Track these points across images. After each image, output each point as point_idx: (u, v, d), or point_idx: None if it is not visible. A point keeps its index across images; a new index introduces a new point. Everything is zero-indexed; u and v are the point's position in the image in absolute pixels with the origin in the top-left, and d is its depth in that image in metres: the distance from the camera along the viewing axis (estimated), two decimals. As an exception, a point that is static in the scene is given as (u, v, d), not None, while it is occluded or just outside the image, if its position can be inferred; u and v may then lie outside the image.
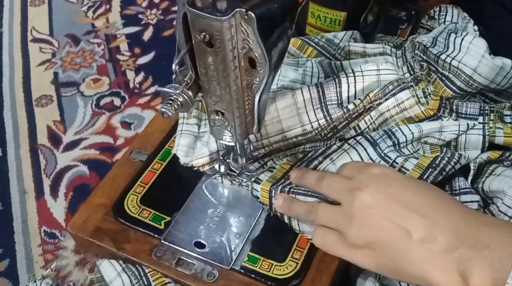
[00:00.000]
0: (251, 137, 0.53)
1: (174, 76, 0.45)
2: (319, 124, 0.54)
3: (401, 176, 0.47)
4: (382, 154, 0.53)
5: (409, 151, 0.54)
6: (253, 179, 0.55)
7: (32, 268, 0.65)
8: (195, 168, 0.56)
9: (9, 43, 0.94)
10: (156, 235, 0.52)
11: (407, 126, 0.55)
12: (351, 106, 0.54)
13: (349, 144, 0.55)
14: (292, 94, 0.54)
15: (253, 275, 0.49)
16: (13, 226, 0.69)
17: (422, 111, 0.56)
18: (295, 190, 0.52)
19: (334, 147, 0.56)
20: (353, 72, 0.55)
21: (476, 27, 0.61)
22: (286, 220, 0.53)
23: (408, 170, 0.52)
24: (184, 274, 0.50)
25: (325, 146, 0.56)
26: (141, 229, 0.53)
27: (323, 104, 0.54)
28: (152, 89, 0.84)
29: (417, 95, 0.56)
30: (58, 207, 0.70)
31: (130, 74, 0.87)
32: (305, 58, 0.63)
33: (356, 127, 0.56)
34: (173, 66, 0.43)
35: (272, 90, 0.57)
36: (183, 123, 0.58)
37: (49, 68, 0.89)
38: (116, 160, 0.74)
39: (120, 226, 0.53)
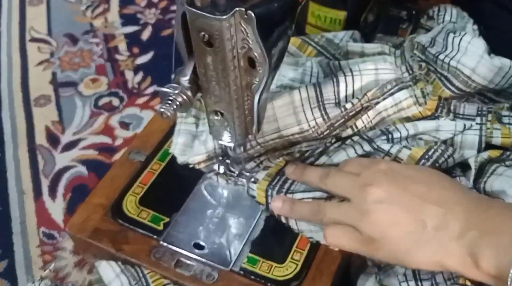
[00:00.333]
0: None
1: (173, 76, 0.45)
2: (316, 123, 0.53)
3: (409, 169, 0.48)
4: (375, 146, 0.53)
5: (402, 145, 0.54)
6: (252, 179, 0.54)
7: (31, 269, 0.65)
8: (191, 166, 0.56)
9: (7, 43, 0.93)
10: (155, 236, 0.52)
11: (403, 125, 0.55)
12: (348, 105, 0.53)
13: (346, 144, 0.55)
14: (289, 92, 0.54)
15: (252, 277, 0.49)
16: (12, 226, 0.68)
17: (419, 111, 0.56)
18: (293, 190, 0.52)
19: (331, 147, 0.56)
20: (351, 71, 0.55)
21: (475, 27, 0.61)
22: (284, 220, 0.53)
23: (402, 160, 0.52)
24: (183, 275, 0.50)
25: (322, 145, 0.56)
26: (140, 230, 0.52)
27: (320, 103, 0.54)
28: (151, 89, 0.84)
29: (415, 95, 0.56)
30: (56, 208, 0.70)
31: (129, 74, 0.87)
32: (304, 58, 0.63)
33: (353, 126, 0.55)
34: (172, 76, 0.43)
35: (270, 89, 0.57)
36: (181, 122, 0.58)
37: (47, 68, 0.88)
38: (115, 160, 0.73)
39: (119, 227, 0.53)
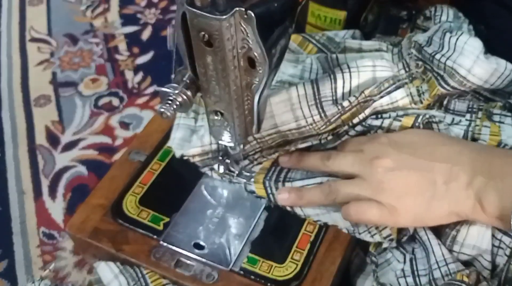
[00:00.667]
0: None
1: (173, 76, 0.45)
2: (314, 120, 0.54)
3: (408, 135, 0.51)
4: (367, 125, 0.54)
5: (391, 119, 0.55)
6: (252, 179, 0.54)
7: (31, 269, 0.65)
8: (185, 158, 0.56)
9: (7, 42, 0.93)
10: (155, 236, 0.52)
11: (395, 112, 0.55)
12: (345, 103, 0.54)
13: (339, 134, 0.55)
14: (286, 89, 0.54)
15: (252, 277, 0.49)
16: (12, 226, 0.68)
17: None
18: (290, 178, 0.52)
19: (326, 142, 0.56)
20: (349, 68, 0.55)
21: (471, 27, 0.61)
22: (289, 208, 0.53)
23: (395, 131, 0.53)
24: (183, 275, 0.50)
25: (316, 141, 0.56)
26: (140, 230, 0.52)
27: (317, 101, 0.54)
28: (151, 89, 0.84)
29: (411, 93, 0.56)
30: (56, 208, 0.70)
31: (129, 74, 0.87)
32: (305, 55, 0.63)
33: (350, 123, 0.56)
34: (172, 76, 0.43)
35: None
36: (180, 117, 0.58)
37: (47, 68, 0.88)
38: (115, 160, 0.73)
39: (118, 227, 0.53)
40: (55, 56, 0.90)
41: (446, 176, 0.46)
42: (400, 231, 0.51)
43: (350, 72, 0.55)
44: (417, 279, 0.49)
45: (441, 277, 0.47)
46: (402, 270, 0.50)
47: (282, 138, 0.55)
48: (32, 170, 0.74)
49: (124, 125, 0.79)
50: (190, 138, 0.57)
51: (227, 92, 0.43)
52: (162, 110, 0.44)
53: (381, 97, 0.55)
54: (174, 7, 0.98)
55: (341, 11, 0.65)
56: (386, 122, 0.53)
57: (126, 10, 0.99)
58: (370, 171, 0.48)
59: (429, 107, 0.57)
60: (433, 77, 0.55)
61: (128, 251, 0.51)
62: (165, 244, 0.51)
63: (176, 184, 0.56)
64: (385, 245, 0.51)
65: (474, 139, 0.55)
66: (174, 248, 0.51)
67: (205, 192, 0.56)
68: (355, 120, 0.55)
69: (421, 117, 0.53)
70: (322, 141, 0.55)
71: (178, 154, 0.56)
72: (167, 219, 0.53)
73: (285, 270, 0.50)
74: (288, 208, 0.53)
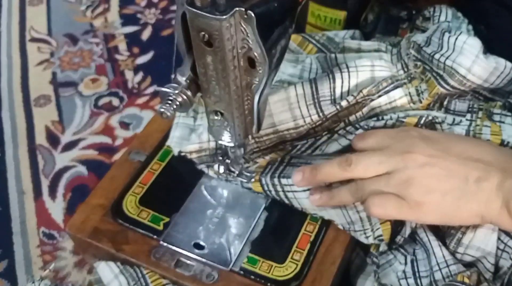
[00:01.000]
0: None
1: (173, 76, 0.45)
2: (312, 119, 0.54)
3: (438, 133, 0.51)
4: (369, 128, 0.53)
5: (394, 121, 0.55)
6: (252, 180, 0.54)
7: (31, 269, 0.65)
8: (183, 154, 0.56)
9: (7, 42, 0.93)
10: (155, 236, 0.52)
11: (396, 114, 0.55)
12: (344, 103, 0.54)
13: (338, 134, 0.55)
14: (285, 89, 0.54)
15: (252, 277, 0.49)
16: (12, 226, 0.69)
17: (413, 110, 0.56)
18: (285, 175, 0.53)
19: (324, 138, 0.56)
20: (348, 67, 0.55)
21: (470, 27, 0.61)
22: (286, 201, 0.53)
23: None
24: (183, 275, 0.50)
25: (312, 139, 0.56)
26: (140, 230, 0.52)
27: (316, 100, 0.54)
28: (151, 89, 0.84)
29: (409, 93, 0.56)
30: (56, 208, 0.70)
31: (129, 74, 0.87)
32: (304, 55, 0.63)
33: (346, 120, 0.56)
34: (178, 76, 0.43)
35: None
36: (180, 116, 0.58)
37: (47, 68, 0.88)
38: (115, 160, 0.73)
39: (118, 227, 0.53)
40: (55, 56, 0.90)
41: (479, 175, 0.45)
42: (396, 233, 0.51)
43: (349, 71, 0.55)
44: (418, 280, 0.49)
45: (442, 278, 0.47)
46: (403, 271, 0.50)
47: (279, 139, 0.55)
48: (32, 170, 0.74)
49: (124, 125, 0.80)
50: (188, 137, 0.57)
51: (227, 92, 0.43)
52: (162, 110, 0.44)
53: (379, 96, 0.55)
54: (174, 7, 0.98)
55: (341, 11, 0.65)
56: (389, 123, 0.53)
57: (126, 10, 0.99)
58: (401, 166, 0.46)
59: (429, 107, 0.57)
60: (433, 77, 0.55)
61: (128, 251, 0.51)
62: (165, 244, 0.51)
63: (176, 184, 0.56)
64: (381, 248, 0.51)
65: None
66: (174, 248, 0.51)
67: (205, 192, 0.56)
68: (352, 118, 0.55)
69: (424, 118, 0.52)
70: (317, 138, 0.55)
71: (175, 151, 0.56)
72: (167, 219, 0.53)
73: (285, 270, 0.50)
74: (286, 201, 0.53)
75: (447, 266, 0.47)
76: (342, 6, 0.64)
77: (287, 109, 0.54)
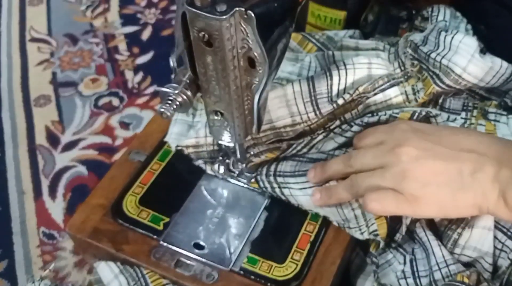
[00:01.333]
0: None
1: (173, 76, 0.45)
2: (309, 117, 0.54)
3: (429, 125, 0.50)
4: (363, 124, 0.53)
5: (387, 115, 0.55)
6: (253, 180, 0.54)
7: (31, 269, 0.65)
8: (179, 148, 0.56)
9: (7, 42, 0.93)
10: (155, 236, 0.52)
11: (391, 110, 0.55)
12: (340, 101, 0.54)
13: (334, 133, 0.55)
14: (282, 86, 0.54)
15: (252, 277, 0.49)
16: (12, 226, 0.68)
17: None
18: (280, 172, 0.53)
19: (320, 137, 0.56)
20: (345, 65, 0.56)
21: (469, 27, 0.61)
22: (283, 197, 0.53)
23: None
24: (183, 275, 0.50)
25: (308, 138, 0.56)
26: (140, 230, 0.52)
27: (313, 98, 0.54)
28: (151, 89, 0.84)
29: (406, 92, 0.56)
30: (56, 208, 0.70)
31: (129, 74, 0.87)
32: (304, 54, 0.63)
33: (342, 118, 0.56)
34: (171, 62, 0.43)
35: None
36: (178, 112, 0.58)
37: (47, 68, 0.88)
38: (115, 160, 0.73)
39: (118, 227, 0.53)
40: (55, 56, 0.90)
41: (473, 166, 0.44)
42: (394, 231, 0.51)
43: (346, 69, 0.55)
44: (417, 280, 0.49)
45: (442, 278, 0.47)
46: (403, 271, 0.50)
47: (276, 137, 0.55)
48: (32, 170, 0.74)
49: (124, 125, 0.79)
50: (187, 133, 0.57)
51: (227, 92, 0.43)
52: (162, 110, 0.44)
53: (375, 94, 0.55)
54: (174, 7, 0.98)
55: (341, 11, 0.65)
56: (383, 119, 0.53)
57: (126, 10, 0.99)
58: (394, 160, 0.46)
59: (424, 105, 0.57)
60: (429, 76, 0.55)
61: (128, 251, 0.51)
62: (165, 244, 0.51)
63: (176, 184, 0.56)
64: (380, 246, 0.51)
65: None
66: (174, 248, 0.51)
67: (205, 192, 0.56)
68: (347, 115, 0.56)
69: (417, 113, 0.52)
70: (313, 136, 0.55)
71: (173, 145, 0.56)
72: (167, 219, 0.53)
73: (285, 270, 0.50)
74: (283, 197, 0.53)
75: (447, 266, 0.47)
76: (342, 6, 0.64)
77: (284, 105, 0.54)
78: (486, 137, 0.47)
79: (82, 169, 0.74)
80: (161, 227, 0.52)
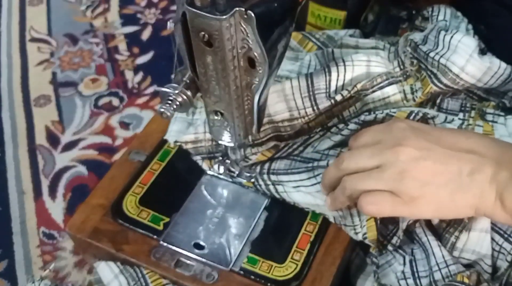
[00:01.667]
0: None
1: (173, 76, 0.45)
2: (306, 112, 0.54)
3: (427, 126, 0.49)
4: (360, 122, 0.53)
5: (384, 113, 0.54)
6: (252, 180, 0.55)
7: (31, 269, 0.65)
8: (178, 144, 0.56)
9: (7, 42, 0.93)
10: (155, 236, 0.52)
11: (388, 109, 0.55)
12: (338, 97, 0.54)
13: (331, 132, 0.55)
14: (280, 82, 0.54)
15: (252, 277, 0.49)
16: (12, 226, 0.69)
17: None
18: (274, 170, 0.53)
19: (316, 136, 0.56)
20: (344, 61, 0.56)
21: (470, 27, 0.61)
22: (277, 195, 0.53)
23: None
24: (183, 275, 0.50)
25: (308, 136, 0.56)
26: (140, 230, 0.52)
27: (311, 93, 0.54)
28: (151, 89, 0.84)
29: (404, 91, 0.56)
30: (56, 208, 0.70)
31: (129, 74, 0.87)
32: (304, 53, 0.63)
33: (340, 116, 0.56)
34: (172, 76, 0.43)
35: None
36: (178, 112, 0.58)
37: (47, 68, 0.88)
38: (115, 160, 0.73)
39: (118, 227, 0.53)
40: (55, 56, 0.90)
41: (472, 167, 0.44)
42: (392, 234, 0.51)
43: (345, 65, 0.55)
44: (417, 280, 0.48)
45: (442, 278, 0.47)
46: (403, 272, 0.49)
47: (274, 131, 0.56)
48: (32, 170, 0.74)
49: (124, 125, 0.79)
50: (186, 131, 0.57)
51: (227, 92, 0.43)
52: (162, 110, 0.44)
53: (373, 91, 0.55)
54: (174, 7, 0.98)
55: (341, 11, 0.65)
56: (380, 117, 0.53)
57: (126, 10, 0.99)
58: (391, 160, 0.45)
59: (421, 105, 0.57)
60: (427, 75, 0.55)
61: (128, 251, 0.51)
62: (165, 244, 0.51)
63: (176, 184, 0.56)
64: (374, 250, 0.50)
65: None
66: (174, 248, 0.51)
67: (205, 192, 0.56)
68: (345, 113, 0.56)
69: (414, 113, 0.52)
70: (311, 135, 0.55)
71: (171, 140, 0.57)
72: (167, 219, 0.53)
73: (285, 270, 0.50)
74: (277, 196, 0.53)
75: (447, 266, 0.47)
76: (342, 6, 0.64)
77: (283, 100, 0.54)
78: (485, 139, 0.46)
79: (82, 169, 0.74)
80: (161, 227, 0.52)
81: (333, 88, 0.55)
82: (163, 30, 0.94)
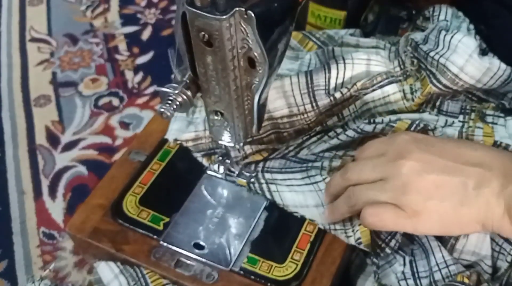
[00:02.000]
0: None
1: (173, 76, 0.45)
2: (305, 109, 0.54)
3: (432, 137, 0.48)
4: (359, 130, 0.53)
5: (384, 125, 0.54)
6: (252, 180, 0.54)
7: (31, 269, 0.65)
8: (179, 142, 0.57)
9: (7, 42, 0.93)
10: (155, 236, 0.52)
11: (388, 116, 0.55)
12: (338, 95, 0.54)
13: (329, 136, 0.55)
14: (280, 78, 0.54)
15: (252, 277, 0.49)
16: (12, 226, 0.68)
17: (405, 107, 0.56)
18: (269, 168, 0.53)
19: (313, 139, 0.56)
20: (344, 59, 0.56)
21: (471, 27, 0.61)
22: (269, 196, 0.53)
23: None
24: (183, 275, 0.50)
25: (308, 136, 0.56)
26: (140, 230, 0.52)
27: (310, 89, 0.54)
28: (151, 89, 0.84)
29: (403, 90, 0.56)
30: (56, 208, 0.70)
31: (129, 74, 0.87)
32: (305, 52, 0.63)
33: (339, 115, 0.56)
34: (172, 76, 0.43)
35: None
36: (178, 112, 0.58)
37: (47, 68, 0.88)
38: (115, 160, 0.73)
39: (118, 227, 0.53)
40: (55, 56, 0.90)
41: (478, 181, 0.43)
42: (391, 237, 0.51)
43: (344, 63, 0.55)
44: (418, 281, 0.48)
45: (442, 278, 0.47)
46: (403, 272, 0.49)
47: (273, 128, 0.55)
48: (32, 170, 0.74)
49: (124, 125, 0.79)
50: (186, 129, 0.57)
51: (227, 92, 0.43)
52: (162, 110, 0.44)
53: (373, 90, 0.55)
54: (174, 7, 0.98)
55: (341, 11, 0.65)
56: (379, 127, 0.52)
57: (126, 10, 0.98)
58: (394, 173, 0.44)
59: (421, 107, 0.56)
60: (426, 75, 0.55)
61: (128, 251, 0.51)
62: (165, 244, 0.51)
63: (176, 184, 0.56)
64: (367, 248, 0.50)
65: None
66: (174, 248, 0.51)
67: (205, 192, 0.56)
68: (345, 112, 0.56)
69: (415, 125, 0.52)
70: (312, 134, 0.55)
71: (171, 139, 0.57)
72: (167, 219, 0.53)
73: (285, 270, 0.50)
74: (268, 196, 0.53)
75: (447, 266, 0.47)
76: (342, 6, 0.64)
77: (282, 96, 0.54)
78: (492, 151, 0.45)
79: (82, 169, 0.74)
80: (161, 227, 0.52)
81: (332, 85, 0.55)
82: (163, 30, 0.94)
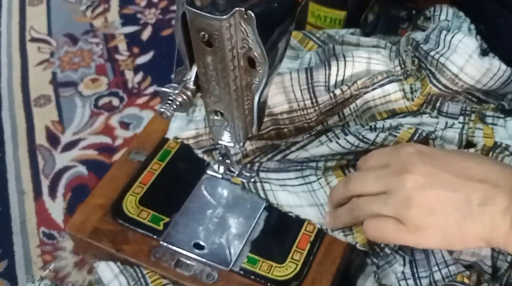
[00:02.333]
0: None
1: (173, 76, 0.45)
2: (305, 105, 0.54)
3: (437, 150, 0.47)
4: (360, 137, 0.52)
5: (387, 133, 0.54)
6: (252, 180, 0.55)
7: (31, 269, 0.64)
8: (179, 140, 0.57)
9: (7, 42, 0.93)
10: (155, 236, 0.52)
11: (388, 120, 0.55)
12: (338, 92, 0.54)
13: (327, 136, 0.55)
14: (280, 74, 0.54)
15: (252, 277, 0.49)
16: (12, 226, 0.68)
17: (406, 106, 0.56)
18: (265, 168, 0.53)
19: (312, 138, 0.56)
20: (344, 57, 0.56)
21: (472, 27, 0.61)
22: (263, 195, 0.53)
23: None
24: (183, 275, 0.50)
25: (309, 135, 0.56)
26: (140, 230, 0.52)
27: (310, 85, 0.54)
28: (151, 89, 0.84)
29: (404, 90, 0.56)
30: (56, 208, 0.70)
31: (129, 74, 0.87)
32: (305, 51, 0.63)
33: (340, 114, 0.56)
34: (172, 76, 0.43)
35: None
36: (178, 112, 0.58)
37: (47, 68, 0.88)
38: (115, 160, 0.73)
39: (118, 227, 0.53)
40: (55, 56, 0.90)
41: (483, 197, 0.42)
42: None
43: (345, 61, 0.56)
44: (417, 281, 0.48)
45: (442, 278, 0.47)
46: (403, 272, 0.49)
47: (273, 124, 0.55)
48: (32, 170, 0.74)
49: (124, 125, 0.79)
50: (186, 127, 0.57)
51: (227, 92, 0.43)
52: (162, 110, 0.44)
53: (374, 89, 0.55)
54: (174, 7, 0.98)
55: (341, 11, 0.65)
56: (381, 136, 0.52)
57: (126, 10, 0.98)
58: (398, 186, 0.44)
59: (421, 107, 0.56)
60: (426, 74, 0.55)
61: (128, 251, 0.51)
62: (165, 244, 0.51)
63: (176, 184, 0.56)
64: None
65: (468, 142, 0.55)
66: (174, 248, 0.51)
67: (205, 192, 0.56)
68: (346, 111, 0.56)
69: (417, 134, 0.52)
70: (312, 133, 0.55)
71: (172, 136, 0.57)
72: (167, 219, 0.53)
73: (285, 270, 0.50)
74: (262, 195, 0.53)
75: (447, 266, 0.47)
76: (342, 6, 0.64)
77: (282, 92, 0.54)
78: (498, 166, 0.44)
79: (82, 169, 0.74)
80: (161, 227, 0.52)
81: (332, 82, 0.55)
82: (163, 30, 0.94)
